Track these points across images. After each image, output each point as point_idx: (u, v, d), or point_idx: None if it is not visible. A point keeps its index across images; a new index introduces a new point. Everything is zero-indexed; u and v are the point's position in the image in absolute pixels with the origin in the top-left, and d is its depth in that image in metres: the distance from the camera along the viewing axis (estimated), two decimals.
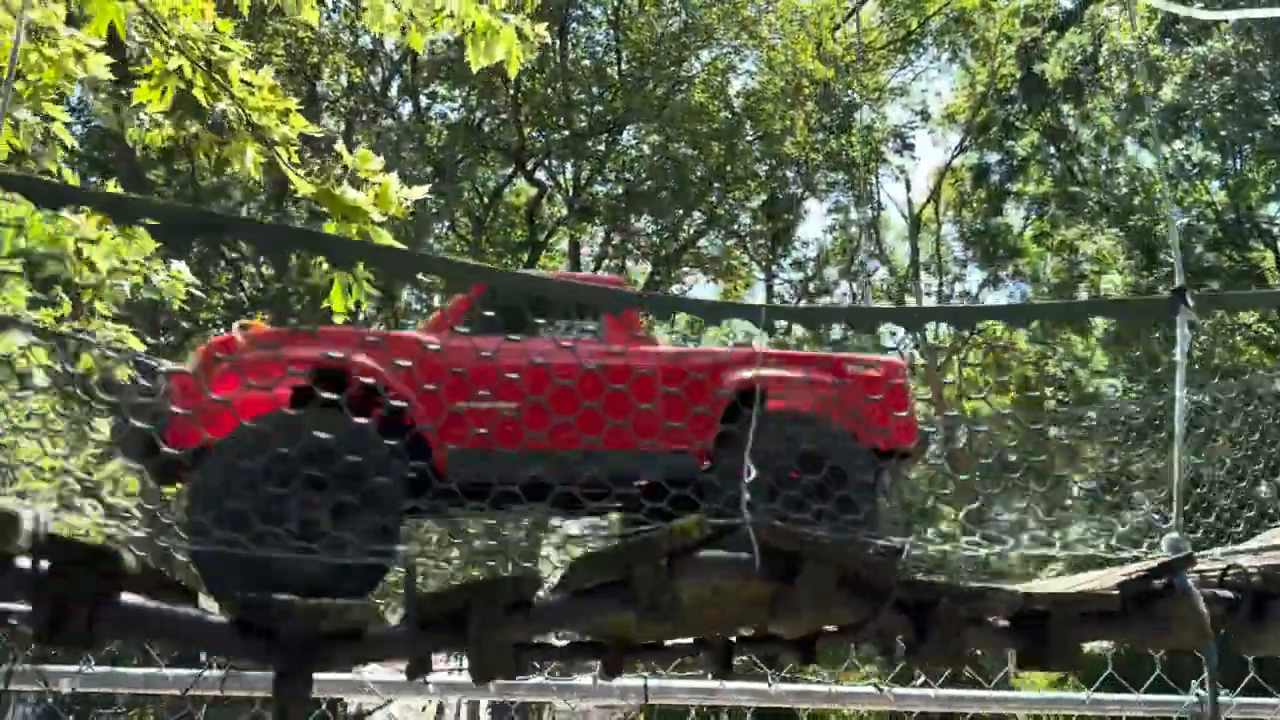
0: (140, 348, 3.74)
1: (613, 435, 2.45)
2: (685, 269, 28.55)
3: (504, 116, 23.18)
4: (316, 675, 1.92)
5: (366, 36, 19.67)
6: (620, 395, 2.47)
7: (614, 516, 3.64)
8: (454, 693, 3.66)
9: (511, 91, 21.44)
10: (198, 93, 3.50)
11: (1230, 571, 2.01)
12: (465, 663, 1.96)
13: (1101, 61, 23.47)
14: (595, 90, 22.40)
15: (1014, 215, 32.06)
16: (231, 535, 2.36)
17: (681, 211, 23.65)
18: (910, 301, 30.65)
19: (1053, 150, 29.79)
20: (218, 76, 3.45)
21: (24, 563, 1.66)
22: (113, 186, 4.54)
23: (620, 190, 23.32)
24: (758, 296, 31.56)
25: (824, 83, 21.68)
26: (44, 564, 1.66)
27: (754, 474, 1.79)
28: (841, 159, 23.34)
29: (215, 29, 3.43)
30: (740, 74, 22.59)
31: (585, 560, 1.93)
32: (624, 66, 22.21)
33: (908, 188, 31.49)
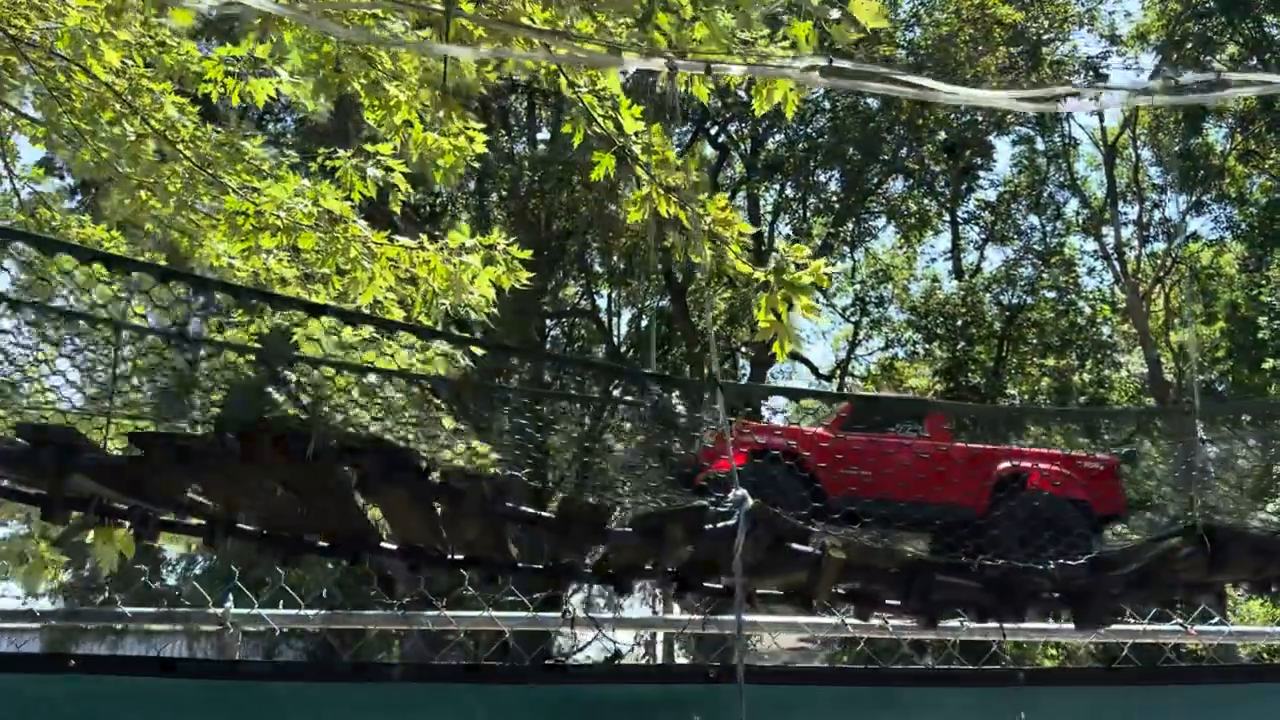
0: None
1: (928, 491, 3.62)
2: (868, 215, 28.72)
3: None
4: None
5: None
6: (935, 469, 3.64)
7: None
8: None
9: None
10: None
11: None
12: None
13: None
14: None
15: (1215, 134, 30.43)
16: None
17: (862, 158, 23.85)
18: (1108, 232, 29.69)
19: (1255, 62, 28.13)
20: None
21: None
22: None
23: (803, 146, 23.72)
24: (943, 241, 31.34)
25: (1013, 25, 21.39)
26: None
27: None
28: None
29: None
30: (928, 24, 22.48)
31: None
32: None
33: (1100, 117, 30.31)
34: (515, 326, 21.42)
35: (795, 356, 28.82)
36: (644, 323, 30.40)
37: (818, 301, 4.10)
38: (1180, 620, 3.08)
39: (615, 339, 31.23)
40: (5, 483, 2.58)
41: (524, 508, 2.48)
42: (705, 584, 2.60)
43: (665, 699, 2.86)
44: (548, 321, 29.46)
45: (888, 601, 2.71)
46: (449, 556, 2.56)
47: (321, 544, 2.49)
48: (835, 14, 2.90)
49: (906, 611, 2.73)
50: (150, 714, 2.66)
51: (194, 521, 2.49)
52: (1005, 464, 3.74)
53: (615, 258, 28.27)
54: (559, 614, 2.93)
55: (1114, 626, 3.16)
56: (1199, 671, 2.98)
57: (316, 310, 2.93)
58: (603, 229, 25.19)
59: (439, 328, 5.51)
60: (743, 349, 28.59)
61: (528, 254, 5.39)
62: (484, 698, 2.80)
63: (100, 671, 2.66)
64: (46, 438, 2.14)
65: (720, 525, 2.25)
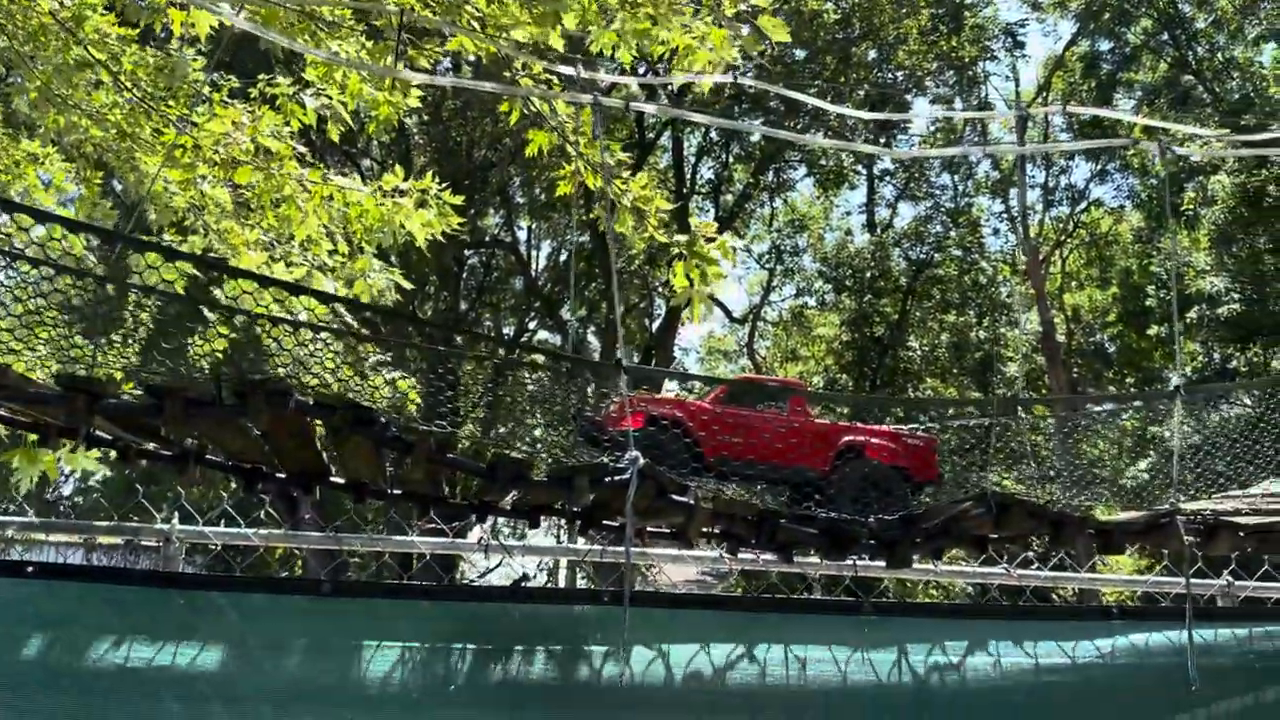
0: None
1: (785, 457, 4.26)
2: (788, 165, 29.25)
3: None
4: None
5: None
6: (791, 438, 4.31)
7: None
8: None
9: None
10: None
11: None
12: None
13: None
14: None
15: (1124, 106, 31.61)
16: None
17: (784, 109, 24.27)
18: (1014, 194, 30.79)
19: (1166, 37, 29.27)
20: None
21: None
22: None
23: (728, 92, 23.97)
24: (859, 195, 32.09)
25: None
26: None
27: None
28: (952, 59, 23.55)
29: None
30: None
31: None
32: None
33: (1016, 83, 31.20)
34: (433, 255, 21.44)
35: (710, 299, 29.36)
36: (564, 258, 30.59)
37: (733, 250, 4.51)
38: (1005, 565, 3.65)
39: (534, 271, 31.38)
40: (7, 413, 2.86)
41: (461, 458, 2.91)
42: (604, 522, 3.06)
43: (563, 619, 3.28)
44: (466, 251, 29.41)
45: (751, 541, 3.21)
46: (389, 491, 2.94)
47: (279, 475, 2.83)
48: (745, 29, 3.25)
49: (762, 549, 3.24)
50: (103, 619, 2.97)
51: (169, 453, 2.80)
52: (847, 437, 4.43)
53: (537, 190, 28.31)
54: (475, 541, 3.32)
55: (952, 568, 3.72)
56: (1020, 610, 3.54)
57: (265, 282, 3.20)
58: (525, 162, 25.20)
59: (375, 256, 5.79)
60: (659, 289, 29.00)
61: (459, 199, 5.65)
62: (404, 610, 3.19)
63: (60, 578, 2.96)
64: (77, 385, 2.49)
65: (617, 478, 2.73)
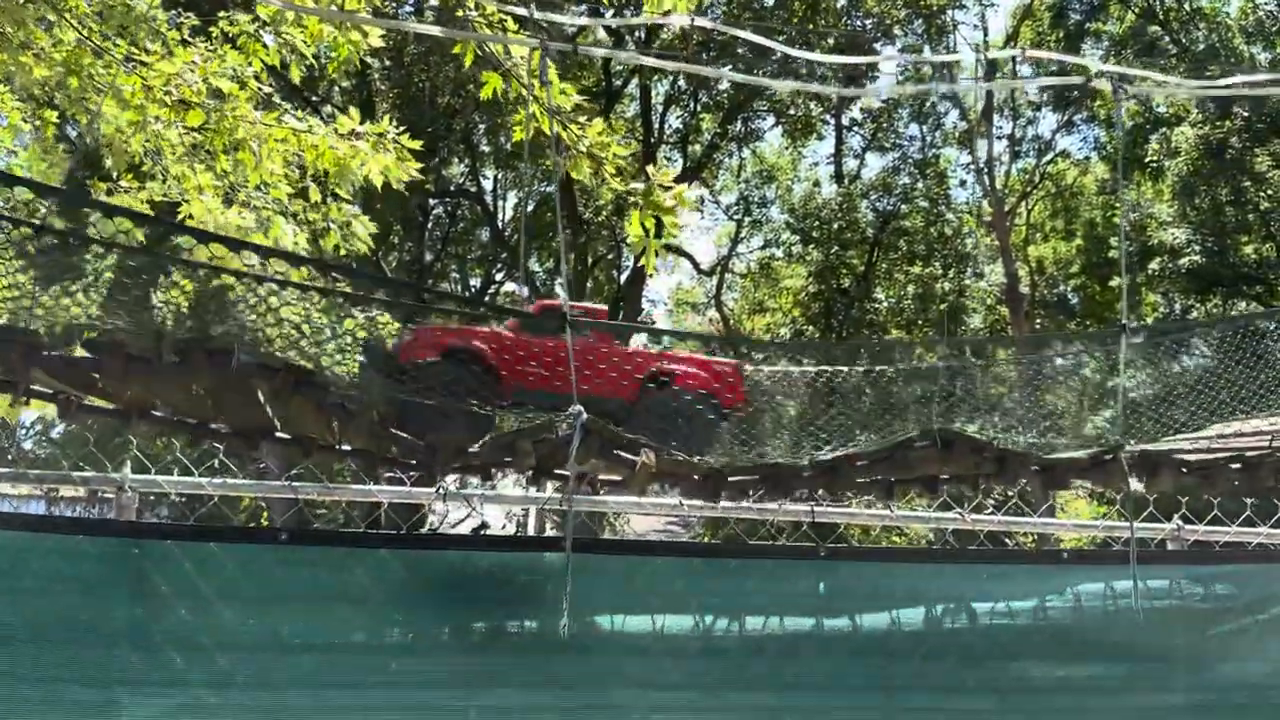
0: None
1: (589, 385, 4.24)
2: (756, 115, 29.06)
3: None
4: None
5: None
6: (595, 367, 4.28)
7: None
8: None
9: None
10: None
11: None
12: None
13: None
14: None
15: (1091, 56, 31.62)
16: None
17: (753, 56, 24.07)
18: (981, 145, 30.83)
19: None
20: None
21: None
22: None
23: (697, 39, 23.70)
24: (827, 145, 31.98)
25: None
26: None
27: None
28: (920, 7, 23.42)
29: None
30: None
31: None
32: None
33: (984, 32, 31.10)
34: (396, 203, 21.17)
35: (678, 251, 29.33)
36: (528, 208, 30.32)
37: (700, 201, 4.51)
38: (960, 511, 3.70)
39: (500, 222, 31.10)
40: None
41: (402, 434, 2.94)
42: (555, 472, 3.11)
43: (514, 566, 3.31)
44: (430, 200, 29.09)
45: (697, 493, 3.26)
46: (337, 447, 2.93)
47: (222, 430, 2.81)
48: None
49: (710, 500, 3.30)
50: (50, 566, 2.96)
51: (112, 406, 2.77)
52: (653, 365, 4.45)
53: (502, 139, 27.96)
54: (432, 489, 3.32)
55: (907, 513, 3.79)
56: (969, 552, 3.62)
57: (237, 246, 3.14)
58: (489, 109, 24.85)
59: (338, 199, 5.73)
60: (627, 241, 28.87)
61: (418, 144, 5.57)
62: (361, 560, 3.19)
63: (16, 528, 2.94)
64: (15, 337, 2.45)
65: (560, 435, 2.78)
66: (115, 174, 5.75)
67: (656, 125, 28.96)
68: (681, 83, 28.36)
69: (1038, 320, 30.92)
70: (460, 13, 4.14)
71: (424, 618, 3.15)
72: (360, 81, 24.16)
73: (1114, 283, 28.26)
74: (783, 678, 3.35)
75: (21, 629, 2.88)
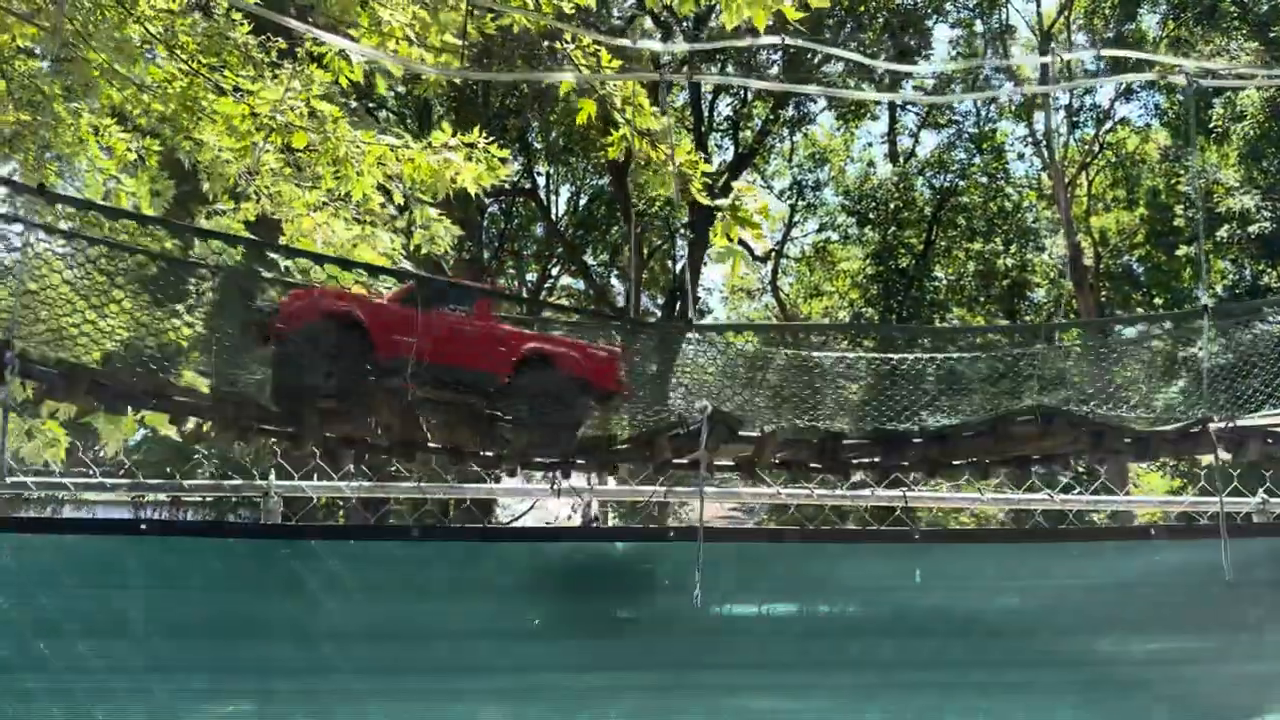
0: None
1: (464, 360, 4.43)
2: (807, 98, 28.94)
3: None
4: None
5: None
6: (472, 341, 4.47)
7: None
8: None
9: None
10: None
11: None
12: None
13: None
14: None
15: (1149, 20, 30.99)
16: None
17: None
18: (1039, 118, 30.38)
19: None
20: None
21: None
22: None
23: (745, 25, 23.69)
24: (880, 125, 31.76)
25: None
26: None
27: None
28: None
29: None
30: None
31: None
32: None
33: (1038, 2, 30.62)
34: (459, 205, 21.57)
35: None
36: (583, 202, 30.62)
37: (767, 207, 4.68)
38: (1048, 492, 3.84)
39: (554, 216, 31.42)
40: None
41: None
42: (676, 461, 3.33)
43: (634, 555, 3.53)
44: (486, 199, 29.50)
45: (811, 465, 3.45)
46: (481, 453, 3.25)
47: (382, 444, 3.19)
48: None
49: (825, 471, 3.49)
50: (209, 567, 3.24)
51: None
52: (530, 345, 4.58)
53: (553, 135, 28.25)
54: (547, 486, 3.55)
55: (996, 496, 3.94)
56: (1057, 531, 3.76)
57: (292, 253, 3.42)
58: (542, 107, 25.15)
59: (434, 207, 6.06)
60: (682, 230, 29.00)
61: (506, 153, 5.83)
62: (487, 552, 3.45)
63: (169, 534, 3.23)
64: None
65: (690, 428, 3.00)
66: (212, 197, 6.09)
67: (706, 113, 29.03)
68: (730, 70, 28.38)
69: (1103, 293, 30.44)
70: (558, 45, 4.37)
71: (549, 606, 3.39)
72: (415, 83, 24.57)
73: (1180, 251, 27.70)
74: (881, 657, 3.53)
75: (193, 626, 3.18)
